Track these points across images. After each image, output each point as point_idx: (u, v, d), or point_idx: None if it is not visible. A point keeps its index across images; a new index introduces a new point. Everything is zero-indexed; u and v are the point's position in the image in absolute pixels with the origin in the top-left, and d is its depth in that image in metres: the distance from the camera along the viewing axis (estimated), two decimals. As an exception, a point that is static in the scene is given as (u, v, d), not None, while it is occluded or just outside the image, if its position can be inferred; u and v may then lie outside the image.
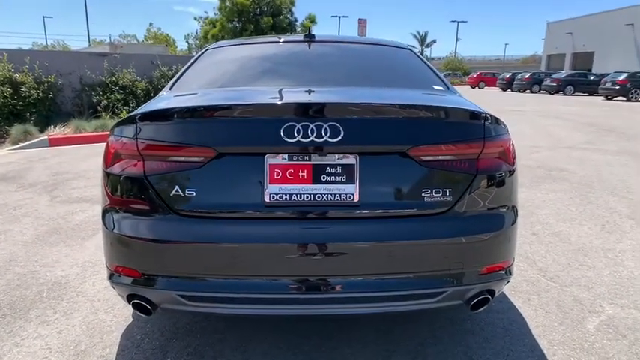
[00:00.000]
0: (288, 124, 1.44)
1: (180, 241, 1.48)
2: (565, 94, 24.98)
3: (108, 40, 39.69)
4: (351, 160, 1.48)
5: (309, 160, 1.48)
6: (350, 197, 1.48)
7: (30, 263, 2.72)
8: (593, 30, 35.89)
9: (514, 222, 1.65)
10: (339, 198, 1.48)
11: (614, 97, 21.13)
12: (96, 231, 3.27)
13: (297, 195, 1.47)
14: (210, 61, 2.33)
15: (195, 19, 17.09)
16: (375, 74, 2.20)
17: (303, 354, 1.82)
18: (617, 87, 20.55)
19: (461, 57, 65.48)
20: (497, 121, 1.62)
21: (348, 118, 1.47)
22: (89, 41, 39.49)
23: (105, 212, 1.61)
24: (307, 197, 1.47)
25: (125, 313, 2.15)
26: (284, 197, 1.47)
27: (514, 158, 1.67)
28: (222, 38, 9.93)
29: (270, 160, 1.47)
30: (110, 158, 1.59)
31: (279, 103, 1.56)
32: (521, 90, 28.61)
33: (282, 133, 1.44)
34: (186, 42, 34.21)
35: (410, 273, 1.52)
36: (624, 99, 20.34)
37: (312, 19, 10.62)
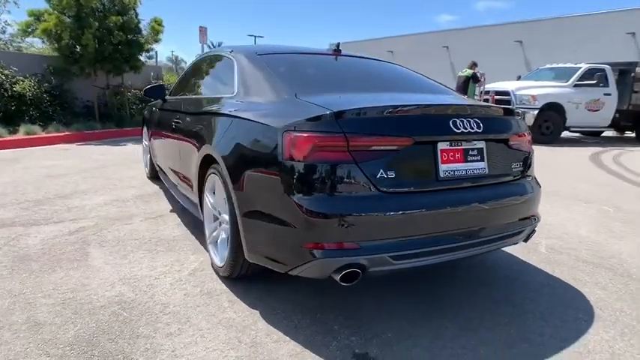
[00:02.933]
0: (453, 119, 1.99)
1: (390, 213, 1.83)
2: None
3: None
4: (482, 144, 2.12)
5: (461, 145, 2.05)
6: (483, 170, 2.12)
7: (48, 292, 2.30)
8: (367, 53, 43.51)
9: (539, 184, 2.56)
10: (477, 171, 2.10)
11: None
12: (80, 250, 2.86)
13: (456, 171, 2.02)
14: (283, 67, 2.55)
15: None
16: (415, 84, 2.85)
17: (418, 299, 2.34)
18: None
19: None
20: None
21: (481, 115, 2.11)
22: None
23: (307, 199, 1.79)
24: (462, 172, 2.04)
25: (241, 308, 2.20)
26: (449, 173, 2.00)
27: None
28: (59, 34, 8.42)
29: (440, 145, 1.98)
30: (306, 149, 1.80)
31: (448, 103, 2.08)
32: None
33: (450, 125, 1.98)
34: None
35: (511, 219, 2.25)
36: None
37: (159, 22, 10.05)
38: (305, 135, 1.82)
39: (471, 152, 2.09)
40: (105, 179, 5.03)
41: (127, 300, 2.25)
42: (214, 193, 2.56)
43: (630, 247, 3.30)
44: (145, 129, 5.12)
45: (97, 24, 8.60)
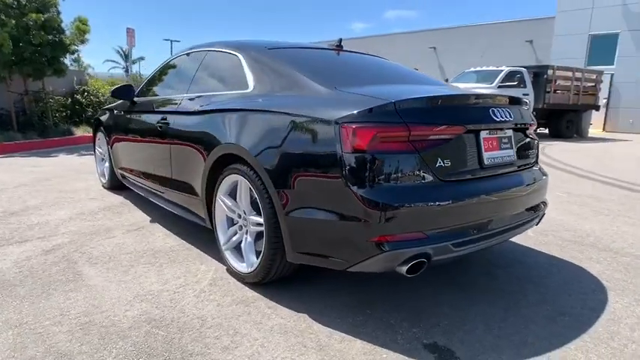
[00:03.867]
0: (492, 109, 2.07)
1: (452, 201, 1.85)
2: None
3: None
4: (510, 133, 2.23)
5: (496, 134, 2.14)
6: (512, 157, 2.23)
7: (55, 318, 1.98)
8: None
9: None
10: (508, 158, 2.20)
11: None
12: (69, 269, 2.52)
13: (495, 158, 2.11)
14: (302, 61, 2.46)
15: None
16: (422, 77, 2.92)
17: (459, 287, 2.39)
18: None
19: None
20: None
21: (509, 105, 2.22)
22: None
23: (372, 191, 1.75)
24: (498, 159, 2.13)
25: (286, 312, 2.08)
26: (490, 160, 2.08)
27: None
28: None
29: (483, 134, 2.05)
30: (368, 140, 1.75)
31: (490, 94, 2.14)
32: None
33: (491, 114, 2.05)
34: None
35: (534, 203, 2.39)
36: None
37: (84, 22, 9.16)
38: (367, 126, 1.77)
39: (503, 140, 2.19)
40: (56, 192, 4.47)
41: (156, 317, 2.02)
42: (234, 195, 2.40)
43: (598, 226, 3.68)
44: (99, 135, 4.66)
45: (13, 22, 7.63)
